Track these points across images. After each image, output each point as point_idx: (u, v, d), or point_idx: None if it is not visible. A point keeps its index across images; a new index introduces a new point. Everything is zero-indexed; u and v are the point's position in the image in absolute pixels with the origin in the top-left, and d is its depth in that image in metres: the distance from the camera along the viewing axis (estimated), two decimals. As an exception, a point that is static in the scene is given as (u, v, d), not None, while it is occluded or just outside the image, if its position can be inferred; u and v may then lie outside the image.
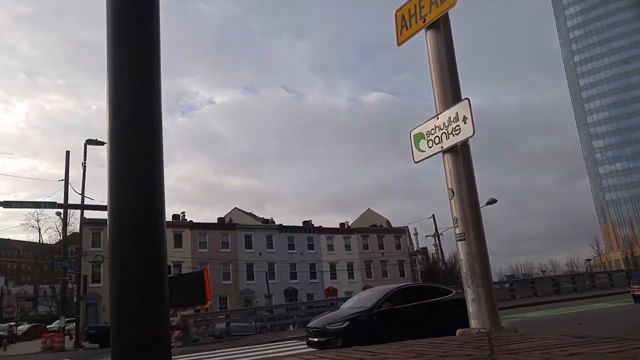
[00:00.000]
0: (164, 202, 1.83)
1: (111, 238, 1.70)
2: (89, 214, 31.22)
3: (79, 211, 29.85)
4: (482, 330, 3.93)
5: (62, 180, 25.03)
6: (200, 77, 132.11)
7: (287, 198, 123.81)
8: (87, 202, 25.39)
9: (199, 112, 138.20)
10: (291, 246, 51.13)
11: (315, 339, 11.13)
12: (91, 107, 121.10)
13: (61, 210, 27.69)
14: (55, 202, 23.06)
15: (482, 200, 5.03)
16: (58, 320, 27.58)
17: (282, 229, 51.83)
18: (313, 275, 51.14)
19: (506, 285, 30.56)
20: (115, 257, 1.68)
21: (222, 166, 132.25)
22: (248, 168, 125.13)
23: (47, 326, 35.39)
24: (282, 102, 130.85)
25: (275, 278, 47.52)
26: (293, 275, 49.80)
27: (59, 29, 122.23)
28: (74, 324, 27.10)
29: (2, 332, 29.86)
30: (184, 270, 39.12)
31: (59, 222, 37.76)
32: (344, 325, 10.88)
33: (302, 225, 54.82)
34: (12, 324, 30.88)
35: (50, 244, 53.53)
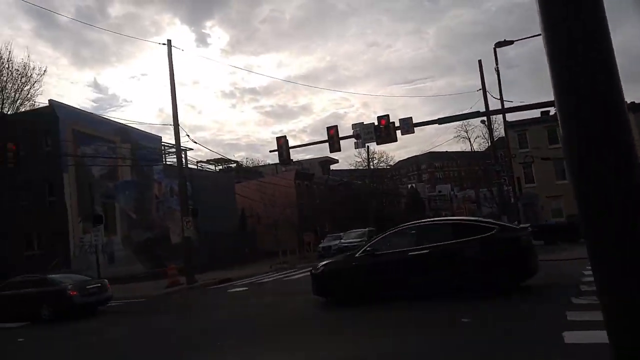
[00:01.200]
0: (620, 81, 1.68)
1: (565, 135, 1.72)
2: (510, 117, 32.50)
3: (500, 116, 31.62)
4: None
5: (479, 90, 26.94)
6: None
7: None
8: (506, 105, 26.38)
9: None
10: None
11: None
12: (490, 9, 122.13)
13: (484, 118, 30.21)
14: (478, 111, 25.16)
15: None
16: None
17: None
18: None
19: None
20: (571, 143, 1.70)
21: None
22: None
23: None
24: None
25: None
26: None
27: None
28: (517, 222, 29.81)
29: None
30: None
31: (485, 130, 41.52)
32: (318, 271, 10.36)
33: None
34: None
35: (481, 151, 59.52)
